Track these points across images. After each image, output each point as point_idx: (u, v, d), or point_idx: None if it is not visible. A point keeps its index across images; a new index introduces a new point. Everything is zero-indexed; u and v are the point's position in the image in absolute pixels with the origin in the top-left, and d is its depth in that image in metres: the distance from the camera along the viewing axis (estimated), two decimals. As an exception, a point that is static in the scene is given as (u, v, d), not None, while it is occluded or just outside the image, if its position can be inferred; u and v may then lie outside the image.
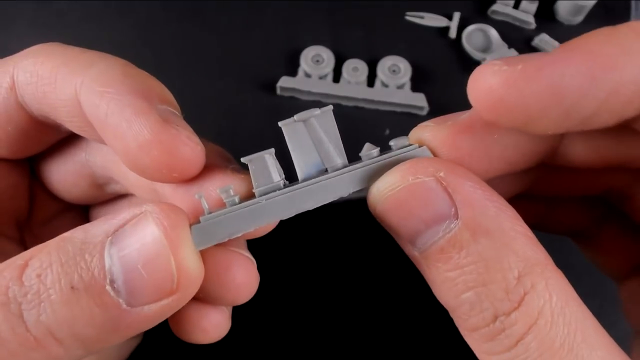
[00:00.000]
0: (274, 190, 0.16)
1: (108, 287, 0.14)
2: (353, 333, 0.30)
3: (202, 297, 0.18)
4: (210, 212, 0.16)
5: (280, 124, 0.16)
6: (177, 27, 0.39)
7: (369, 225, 0.33)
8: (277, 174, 0.16)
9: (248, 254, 0.18)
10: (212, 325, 0.19)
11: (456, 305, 0.14)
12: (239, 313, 0.30)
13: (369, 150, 0.16)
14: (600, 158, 0.18)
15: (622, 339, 0.31)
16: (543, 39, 0.39)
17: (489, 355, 0.14)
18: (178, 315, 0.18)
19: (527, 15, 0.40)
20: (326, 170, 0.16)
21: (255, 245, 0.32)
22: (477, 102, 0.14)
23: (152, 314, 0.15)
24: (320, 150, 0.16)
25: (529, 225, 0.14)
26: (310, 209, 0.16)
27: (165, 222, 0.15)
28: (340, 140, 0.16)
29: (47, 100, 0.17)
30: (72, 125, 0.18)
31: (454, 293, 0.14)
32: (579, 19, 0.40)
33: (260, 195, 0.16)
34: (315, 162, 0.16)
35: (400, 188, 0.15)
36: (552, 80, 0.13)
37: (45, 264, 0.14)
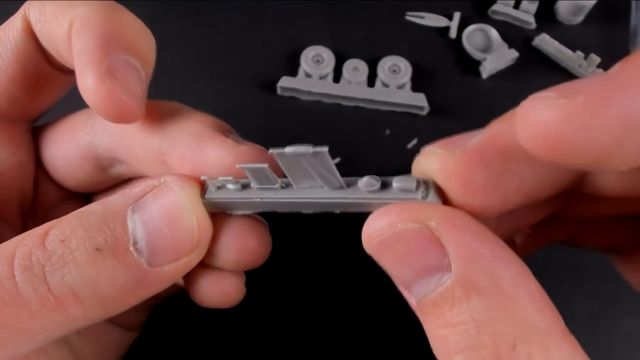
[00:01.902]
0: (270, 191, 0.17)
1: (131, 248, 0.16)
2: (353, 333, 0.30)
3: (221, 265, 0.19)
4: (216, 187, 0.17)
5: (271, 151, 0.15)
6: (178, 27, 0.39)
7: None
8: (272, 180, 0.16)
9: (260, 218, 0.20)
10: (233, 289, 0.20)
11: None
12: (238, 312, 0.30)
13: (369, 187, 0.15)
14: (637, 186, 0.15)
15: (622, 339, 0.31)
16: (543, 39, 0.39)
17: None
18: (198, 280, 0.20)
19: (527, 15, 0.40)
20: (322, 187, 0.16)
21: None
22: (530, 142, 0.12)
23: (170, 272, 0.16)
24: (317, 176, 0.16)
25: (560, 242, 0.13)
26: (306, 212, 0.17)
27: (186, 187, 0.17)
28: (337, 170, 0.15)
29: (52, 35, 0.19)
30: (69, 60, 0.19)
31: (445, 352, 0.13)
32: (579, 19, 0.40)
33: (258, 190, 0.17)
34: (311, 182, 0.16)
35: (389, 235, 0.14)
36: (624, 110, 0.11)
37: (69, 231, 0.16)
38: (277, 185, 0.16)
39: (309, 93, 0.37)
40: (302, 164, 0.15)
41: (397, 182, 0.15)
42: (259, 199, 0.17)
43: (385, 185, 0.15)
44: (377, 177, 0.15)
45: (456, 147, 0.14)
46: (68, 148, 0.22)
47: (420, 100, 0.36)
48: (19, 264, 0.15)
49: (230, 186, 0.17)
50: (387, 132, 0.36)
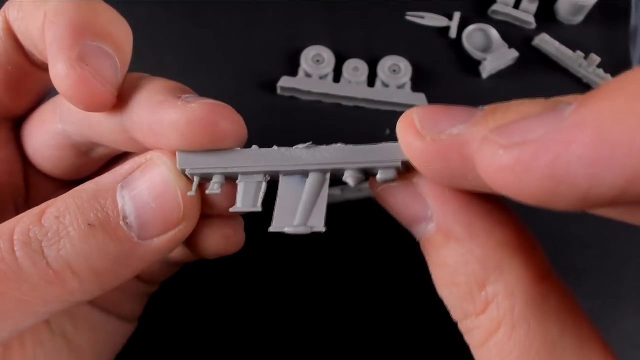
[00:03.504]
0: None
1: (122, 223, 0.16)
2: (353, 330, 0.30)
3: (217, 212, 0.19)
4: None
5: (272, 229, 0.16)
6: (177, 27, 0.39)
7: (367, 225, 0.33)
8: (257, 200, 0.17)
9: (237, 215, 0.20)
10: (234, 231, 0.20)
11: (440, 296, 0.15)
12: (236, 307, 0.30)
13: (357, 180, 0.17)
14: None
15: (622, 339, 0.31)
16: (543, 39, 0.39)
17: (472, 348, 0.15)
18: (199, 231, 0.20)
19: (527, 15, 0.40)
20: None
21: (254, 245, 0.32)
22: (484, 178, 0.12)
23: (160, 245, 0.17)
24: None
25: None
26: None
27: (169, 161, 0.17)
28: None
29: (29, 31, 0.19)
30: (45, 54, 0.19)
31: (436, 284, 0.15)
32: (579, 19, 0.40)
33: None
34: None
35: (383, 187, 0.16)
36: (552, 172, 0.11)
37: (63, 208, 0.16)
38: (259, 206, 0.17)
39: (309, 93, 0.36)
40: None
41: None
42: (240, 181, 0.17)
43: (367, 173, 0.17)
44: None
45: (437, 129, 0.14)
46: (44, 140, 0.22)
47: (420, 100, 0.36)
48: (19, 240, 0.16)
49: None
50: (387, 132, 0.36)
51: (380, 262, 0.31)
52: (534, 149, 0.11)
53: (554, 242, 0.32)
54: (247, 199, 0.17)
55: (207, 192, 0.17)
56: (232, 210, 0.17)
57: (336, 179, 0.17)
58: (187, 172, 0.17)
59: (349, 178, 0.16)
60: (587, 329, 0.14)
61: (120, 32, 0.19)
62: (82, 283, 0.16)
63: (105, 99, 0.18)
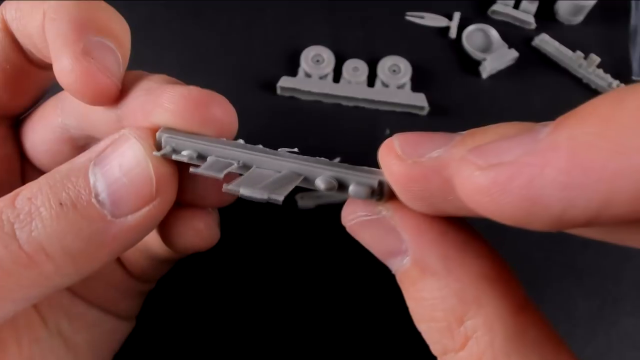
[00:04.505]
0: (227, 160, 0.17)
1: (93, 200, 0.16)
2: (350, 330, 0.30)
3: (189, 201, 0.19)
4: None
5: (225, 188, 0.15)
6: (177, 27, 0.39)
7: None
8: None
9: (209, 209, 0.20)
10: (205, 225, 0.20)
11: (419, 330, 0.15)
12: (235, 305, 0.30)
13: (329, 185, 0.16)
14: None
15: (622, 339, 0.31)
16: (543, 39, 0.39)
17: None
18: (171, 223, 0.20)
19: (527, 15, 0.40)
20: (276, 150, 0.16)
21: (251, 243, 0.32)
22: (462, 198, 0.13)
23: (135, 223, 0.16)
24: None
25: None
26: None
27: (142, 134, 0.17)
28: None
29: (28, 30, 0.19)
30: (46, 52, 0.19)
31: (415, 319, 0.15)
32: (579, 19, 0.40)
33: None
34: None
35: (354, 222, 0.16)
36: (527, 193, 0.11)
37: (35, 189, 0.16)
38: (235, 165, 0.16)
39: (309, 93, 0.37)
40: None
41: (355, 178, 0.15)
42: (220, 145, 0.17)
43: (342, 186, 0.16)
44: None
45: (416, 153, 0.14)
46: (44, 134, 0.22)
47: (420, 100, 0.36)
48: None
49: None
50: (387, 132, 0.36)
51: (379, 262, 0.31)
52: (509, 171, 0.11)
53: (554, 242, 0.32)
54: (214, 167, 0.16)
55: (173, 157, 0.17)
56: (191, 170, 0.16)
57: (309, 184, 0.16)
58: (162, 139, 0.17)
59: (320, 181, 0.16)
60: (566, 356, 0.14)
61: (120, 28, 0.19)
62: (57, 266, 0.16)
63: (110, 91, 0.18)
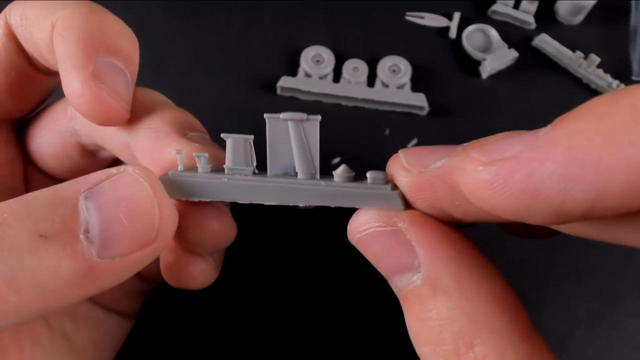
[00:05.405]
0: (241, 174, 0.17)
1: (82, 236, 0.14)
2: (349, 330, 0.30)
3: (186, 246, 0.19)
4: (182, 170, 0.17)
5: (266, 115, 0.16)
6: (177, 27, 0.39)
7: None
8: (249, 160, 0.17)
9: (220, 205, 0.19)
10: (199, 272, 0.20)
11: (420, 354, 0.14)
12: (235, 304, 0.30)
13: (345, 174, 0.16)
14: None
15: (623, 339, 0.31)
16: (543, 39, 0.39)
17: None
18: (169, 264, 0.19)
19: (527, 15, 0.40)
20: (295, 175, 0.16)
21: (252, 243, 0.32)
22: (466, 194, 0.13)
23: (120, 266, 0.15)
24: (296, 154, 0.16)
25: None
26: (271, 204, 0.17)
27: (148, 176, 0.16)
28: (319, 151, 0.16)
29: (34, 39, 0.19)
30: (53, 63, 0.19)
31: (416, 341, 0.14)
32: (579, 19, 0.40)
33: (229, 172, 0.17)
34: (288, 163, 0.17)
35: (366, 233, 0.15)
36: (527, 186, 0.11)
37: (7, 214, 0.14)
38: (250, 169, 0.17)
39: (309, 93, 0.36)
40: (288, 137, 0.16)
41: (370, 174, 0.16)
42: (226, 180, 0.16)
43: (358, 178, 0.16)
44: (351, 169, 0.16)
45: (421, 164, 0.15)
46: (52, 137, 0.22)
47: (420, 100, 0.36)
48: None
49: (200, 166, 0.17)
50: (387, 132, 0.36)
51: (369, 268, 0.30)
52: (510, 165, 0.12)
53: (555, 242, 0.32)
54: (236, 157, 0.17)
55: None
56: (224, 166, 0.17)
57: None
58: (172, 177, 0.17)
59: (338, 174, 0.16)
60: None
61: (129, 44, 0.19)
62: (21, 301, 0.14)
63: (119, 115, 0.18)
